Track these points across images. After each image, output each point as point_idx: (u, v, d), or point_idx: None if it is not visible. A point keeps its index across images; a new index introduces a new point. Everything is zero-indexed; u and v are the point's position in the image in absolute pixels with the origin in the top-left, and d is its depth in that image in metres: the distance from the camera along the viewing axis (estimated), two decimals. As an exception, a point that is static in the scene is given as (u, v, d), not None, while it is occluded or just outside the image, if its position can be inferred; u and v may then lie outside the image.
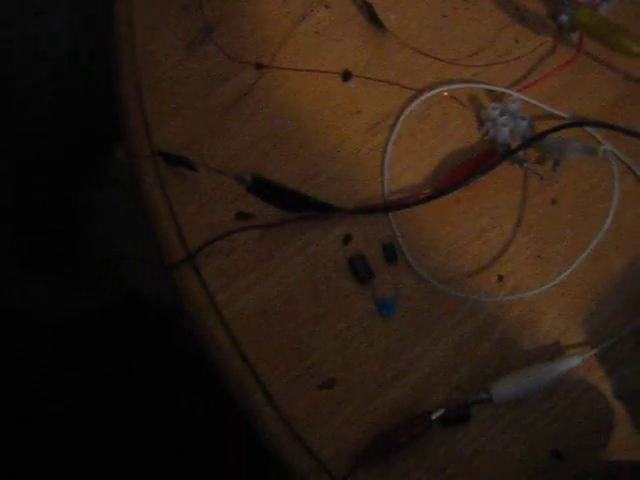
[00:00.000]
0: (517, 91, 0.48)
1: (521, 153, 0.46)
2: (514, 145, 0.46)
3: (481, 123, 0.48)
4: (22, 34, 0.87)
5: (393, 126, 0.47)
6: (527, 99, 0.48)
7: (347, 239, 0.44)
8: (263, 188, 0.42)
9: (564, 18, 0.49)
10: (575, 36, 0.49)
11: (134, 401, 0.80)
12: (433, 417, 0.39)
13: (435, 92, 0.47)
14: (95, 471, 0.76)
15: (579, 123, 0.47)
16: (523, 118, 0.46)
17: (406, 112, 0.47)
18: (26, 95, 0.87)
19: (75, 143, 0.92)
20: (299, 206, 0.43)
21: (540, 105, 0.48)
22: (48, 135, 0.89)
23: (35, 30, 0.89)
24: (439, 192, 0.44)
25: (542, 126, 0.47)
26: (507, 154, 0.45)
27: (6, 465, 0.69)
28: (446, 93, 0.48)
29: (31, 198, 0.82)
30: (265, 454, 0.40)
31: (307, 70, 0.48)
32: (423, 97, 0.47)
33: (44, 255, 0.85)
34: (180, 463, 0.79)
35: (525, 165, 0.45)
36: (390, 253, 0.43)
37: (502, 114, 0.47)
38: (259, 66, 0.48)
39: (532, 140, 0.45)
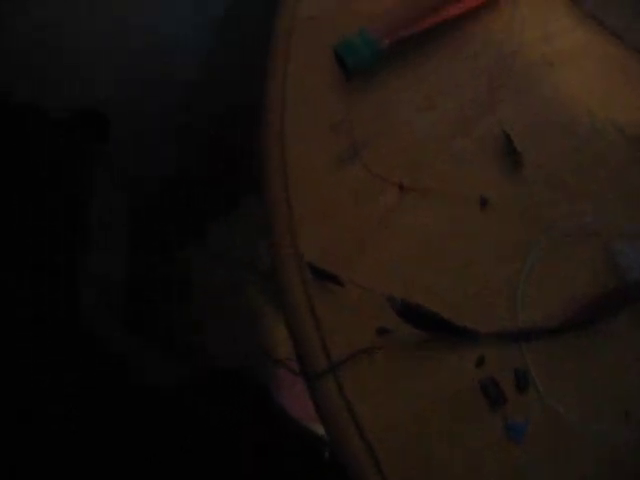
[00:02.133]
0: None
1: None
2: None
3: (613, 257, 0.50)
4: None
5: (527, 256, 0.49)
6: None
7: (480, 361, 0.46)
8: (410, 312, 0.45)
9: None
10: None
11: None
12: None
13: (564, 229, 0.50)
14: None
15: None
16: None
17: (540, 244, 0.49)
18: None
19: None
20: (438, 327, 0.46)
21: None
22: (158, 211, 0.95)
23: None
24: (569, 326, 0.46)
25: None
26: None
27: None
28: (575, 227, 0.50)
29: (141, 271, 0.87)
30: None
31: (447, 195, 0.51)
32: (553, 233, 0.50)
33: (146, 321, 0.89)
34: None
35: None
36: (522, 380, 0.45)
37: (633, 251, 0.49)
38: (402, 187, 0.51)
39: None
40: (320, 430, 0.68)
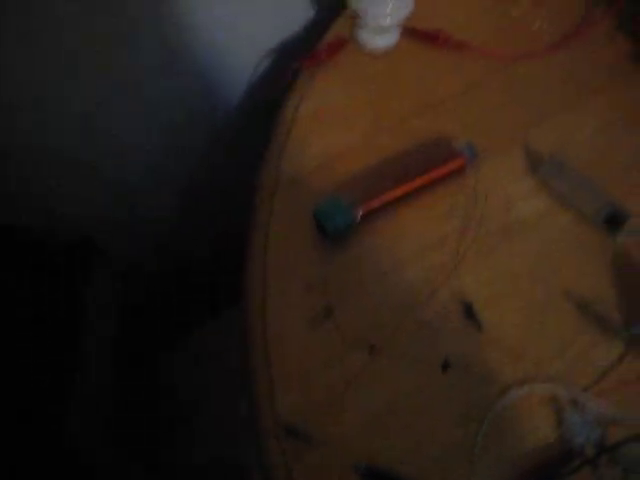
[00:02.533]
0: (592, 396, 0.55)
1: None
2: (589, 448, 0.52)
3: (560, 422, 0.55)
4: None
5: (482, 420, 0.54)
6: (601, 407, 0.54)
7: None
8: (374, 476, 0.49)
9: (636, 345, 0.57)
10: None
11: None
12: None
13: (518, 394, 0.55)
14: None
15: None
16: (598, 425, 0.53)
17: (494, 409, 0.55)
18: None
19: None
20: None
21: (612, 410, 0.54)
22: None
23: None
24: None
25: (618, 431, 0.53)
26: (582, 464, 0.51)
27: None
28: (528, 393, 0.55)
29: (126, 378, 0.91)
30: None
31: (411, 358, 0.56)
32: (508, 396, 0.55)
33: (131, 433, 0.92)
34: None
35: (598, 474, 0.52)
36: None
37: (579, 419, 0.54)
38: (371, 350, 0.56)
39: (605, 451, 0.52)
40: None
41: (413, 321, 0.58)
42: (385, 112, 0.70)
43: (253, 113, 0.91)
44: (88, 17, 0.63)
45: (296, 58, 0.72)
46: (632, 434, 0.52)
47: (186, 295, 1.06)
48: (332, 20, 0.77)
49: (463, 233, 0.62)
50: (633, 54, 0.75)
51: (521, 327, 0.58)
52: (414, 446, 0.53)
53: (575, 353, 0.57)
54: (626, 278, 0.60)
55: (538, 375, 0.56)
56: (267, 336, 0.56)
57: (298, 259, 0.61)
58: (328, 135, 0.67)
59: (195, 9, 0.70)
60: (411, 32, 0.75)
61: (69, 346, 0.76)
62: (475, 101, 0.71)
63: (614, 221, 0.61)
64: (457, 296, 0.59)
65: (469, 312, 0.58)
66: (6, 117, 0.67)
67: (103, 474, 0.79)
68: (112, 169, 0.82)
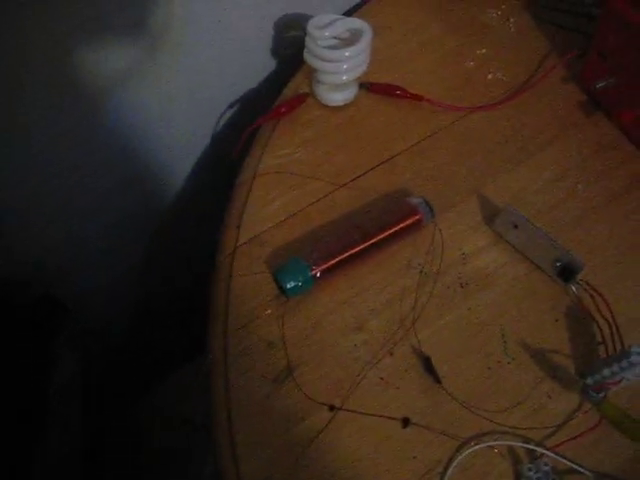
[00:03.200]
0: (549, 448, 0.56)
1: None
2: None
3: (519, 475, 0.56)
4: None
5: (443, 474, 0.55)
6: (557, 457, 0.55)
7: None
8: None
9: (592, 396, 0.58)
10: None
11: None
12: None
13: (477, 447, 0.56)
14: None
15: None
16: (555, 477, 0.54)
17: (454, 463, 0.55)
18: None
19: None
20: None
21: (568, 463, 0.55)
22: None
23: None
24: None
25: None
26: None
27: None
28: (486, 447, 0.56)
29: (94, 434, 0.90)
30: None
31: (372, 415, 0.57)
32: (468, 450, 0.56)
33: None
34: None
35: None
36: None
37: (536, 471, 0.55)
38: (332, 408, 0.57)
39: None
40: None
41: (373, 377, 0.59)
42: (343, 167, 0.71)
43: (213, 171, 0.92)
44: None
45: (256, 113, 0.74)
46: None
47: (146, 350, 1.06)
48: (290, 74, 0.79)
49: (421, 286, 0.63)
50: (585, 104, 0.77)
51: (479, 379, 0.59)
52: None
53: (532, 404, 0.58)
54: (580, 328, 0.61)
55: (496, 428, 0.57)
56: (230, 395, 0.57)
57: (259, 317, 0.61)
58: (287, 192, 0.69)
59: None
60: (369, 86, 0.77)
61: (34, 407, 0.76)
62: (431, 153, 0.73)
63: (569, 272, 0.62)
64: (416, 350, 0.60)
65: (428, 366, 0.59)
66: None
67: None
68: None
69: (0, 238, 0.74)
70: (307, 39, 0.71)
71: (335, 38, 0.72)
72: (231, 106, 0.86)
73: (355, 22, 0.72)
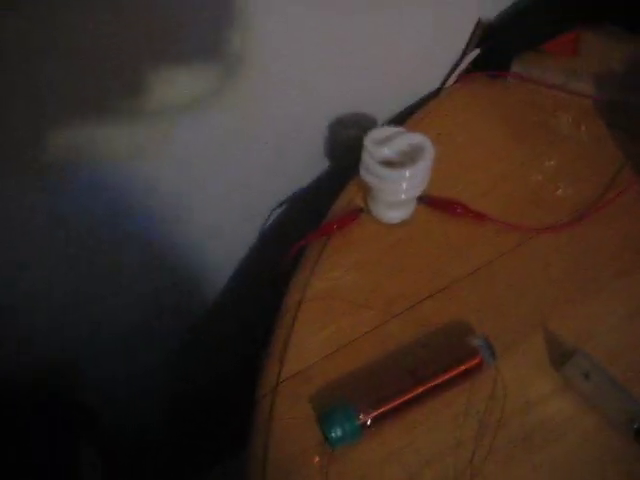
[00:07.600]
0: None
1: None
2: None
3: None
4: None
5: None
6: None
7: None
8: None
9: None
10: None
11: None
12: None
13: None
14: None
15: None
16: None
17: None
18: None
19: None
20: None
21: None
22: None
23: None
24: None
25: None
26: None
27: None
28: None
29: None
30: None
31: None
32: None
33: None
34: None
35: None
36: None
37: None
38: None
39: None
40: None
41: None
42: (397, 293, 0.67)
43: (256, 292, 0.89)
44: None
45: (304, 229, 0.70)
46: None
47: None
48: (340, 184, 0.75)
49: (479, 438, 0.58)
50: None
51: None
52: None
53: None
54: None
55: None
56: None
57: (300, 464, 0.57)
58: (337, 321, 0.64)
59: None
60: (428, 201, 0.72)
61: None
62: (492, 280, 0.67)
63: (645, 431, 0.56)
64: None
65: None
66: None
67: None
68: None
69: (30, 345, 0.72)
70: (364, 154, 0.68)
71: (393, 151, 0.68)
72: (276, 220, 0.83)
73: (415, 137, 0.68)
